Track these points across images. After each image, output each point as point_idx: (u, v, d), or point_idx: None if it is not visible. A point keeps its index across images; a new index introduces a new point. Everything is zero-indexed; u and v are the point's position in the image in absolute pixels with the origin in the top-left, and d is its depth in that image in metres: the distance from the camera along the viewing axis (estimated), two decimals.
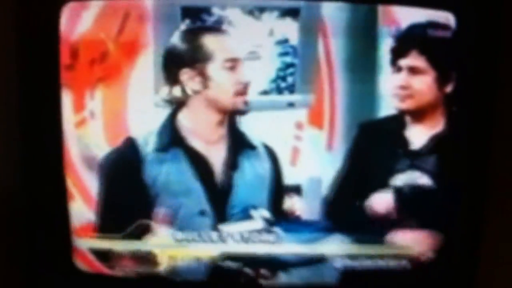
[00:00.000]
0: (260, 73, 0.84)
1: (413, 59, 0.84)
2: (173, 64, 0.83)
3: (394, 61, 0.84)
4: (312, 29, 0.83)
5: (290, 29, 0.82)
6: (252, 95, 0.84)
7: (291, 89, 0.85)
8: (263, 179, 0.88)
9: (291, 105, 0.85)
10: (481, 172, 0.87)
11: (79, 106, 0.84)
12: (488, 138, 0.86)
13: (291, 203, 0.88)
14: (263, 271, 0.90)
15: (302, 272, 0.90)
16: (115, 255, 0.89)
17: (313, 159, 0.87)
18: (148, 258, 0.89)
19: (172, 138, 0.86)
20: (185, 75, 0.83)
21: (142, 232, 0.88)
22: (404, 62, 0.84)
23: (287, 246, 0.88)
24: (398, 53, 0.84)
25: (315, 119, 0.86)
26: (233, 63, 0.83)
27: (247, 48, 0.82)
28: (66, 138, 0.85)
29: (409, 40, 0.84)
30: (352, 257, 0.89)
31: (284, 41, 0.83)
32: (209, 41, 0.83)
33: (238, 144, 0.88)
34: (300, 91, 0.85)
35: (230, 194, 0.87)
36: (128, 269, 0.90)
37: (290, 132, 0.86)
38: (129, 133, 0.86)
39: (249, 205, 0.88)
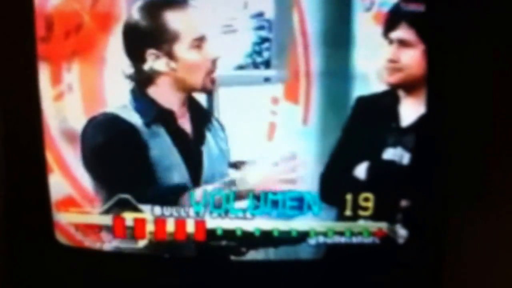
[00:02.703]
0: (236, 47, 0.83)
1: (403, 32, 0.83)
2: (138, 43, 0.82)
3: (385, 34, 0.84)
4: (286, 2, 0.82)
5: (264, 3, 0.82)
6: (228, 70, 0.84)
7: (267, 63, 0.84)
8: (224, 152, 0.88)
9: (267, 80, 0.85)
10: (458, 154, 0.87)
11: (56, 79, 0.85)
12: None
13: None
14: (237, 247, 0.90)
15: (276, 248, 0.90)
16: (95, 229, 0.90)
17: (289, 134, 0.87)
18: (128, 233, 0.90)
19: (154, 113, 0.85)
20: (151, 55, 0.82)
21: (122, 207, 0.89)
22: (394, 35, 0.83)
23: (262, 222, 0.89)
24: (388, 25, 0.83)
25: (291, 94, 0.85)
26: (199, 42, 0.82)
27: (221, 21, 0.82)
28: (45, 111, 0.86)
29: (397, 13, 0.83)
30: (326, 233, 0.89)
31: (259, 15, 0.82)
32: (175, 19, 0.82)
33: (199, 118, 0.87)
34: (276, 65, 0.84)
35: (202, 168, 0.88)
36: (108, 244, 0.91)
37: (266, 107, 0.86)
38: (107, 106, 0.85)
39: (217, 178, 0.88)
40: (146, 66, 0.83)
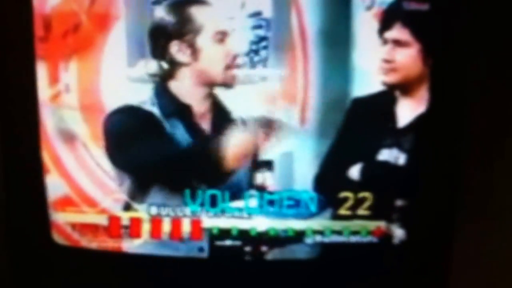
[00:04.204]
0: (233, 45, 0.83)
1: (398, 32, 0.83)
2: (160, 37, 0.83)
3: (380, 33, 0.83)
4: (285, 1, 0.82)
5: (262, 2, 0.82)
6: None
7: (264, 62, 0.84)
8: None
9: (264, 79, 0.85)
10: (457, 155, 0.87)
11: (53, 78, 0.85)
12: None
13: (263, 178, 0.88)
14: (235, 246, 0.90)
15: (273, 248, 0.90)
16: (92, 229, 0.90)
17: (285, 134, 0.86)
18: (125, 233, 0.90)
19: (173, 107, 0.86)
20: (175, 47, 0.83)
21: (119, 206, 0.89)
22: (389, 35, 0.83)
23: (259, 222, 0.89)
24: (383, 25, 0.83)
25: (288, 94, 0.85)
26: (222, 36, 0.83)
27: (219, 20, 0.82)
28: (41, 111, 0.86)
29: (392, 12, 0.82)
30: (323, 232, 0.89)
31: (257, 14, 0.82)
32: (197, 12, 0.83)
33: (222, 118, 0.87)
34: (273, 65, 0.84)
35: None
36: (105, 243, 0.91)
37: (263, 107, 0.86)
38: (103, 107, 0.86)
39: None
40: (169, 60, 0.84)
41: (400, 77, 0.85)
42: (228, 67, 0.84)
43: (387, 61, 0.84)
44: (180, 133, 0.87)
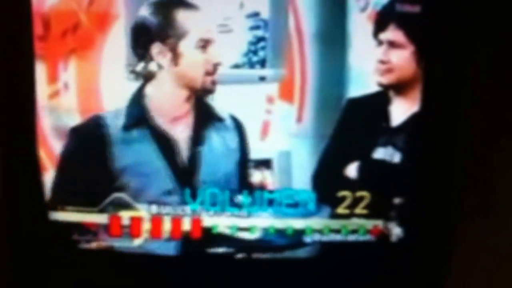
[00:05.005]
0: (232, 46, 0.84)
1: (392, 33, 0.84)
2: (143, 37, 0.83)
3: (375, 35, 0.85)
4: (282, 3, 0.83)
5: (260, 3, 0.83)
6: (224, 69, 0.85)
7: (262, 63, 0.85)
8: (232, 152, 0.88)
9: (262, 79, 0.86)
10: (451, 153, 0.88)
11: (52, 77, 0.85)
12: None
13: (262, 177, 0.89)
14: (235, 245, 0.90)
15: (273, 246, 0.90)
16: (91, 227, 0.90)
17: (283, 133, 0.87)
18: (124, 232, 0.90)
19: (138, 117, 0.86)
20: (156, 49, 0.84)
21: (117, 206, 0.88)
22: (384, 36, 0.85)
23: (258, 220, 0.89)
24: (378, 26, 0.84)
25: (286, 93, 0.86)
26: (205, 43, 0.84)
27: (218, 21, 0.83)
28: (40, 109, 0.86)
29: (387, 14, 0.84)
30: (322, 231, 0.89)
31: (255, 15, 0.84)
32: (183, 17, 0.83)
33: (206, 118, 0.88)
34: (271, 65, 0.85)
35: (198, 170, 0.87)
36: (104, 243, 0.90)
37: (261, 106, 0.87)
38: (102, 106, 0.86)
39: (219, 179, 0.88)
40: (150, 61, 0.84)
41: (395, 78, 0.86)
42: (208, 73, 0.84)
43: (382, 62, 0.85)
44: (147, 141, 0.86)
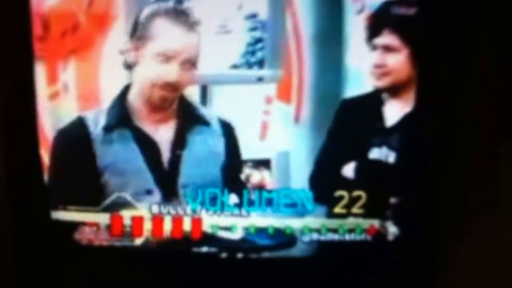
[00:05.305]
0: (230, 47, 0.85)
1: (387, 37, 0.85)
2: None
3: (369, 40, 0.85)
4: (280, 4, 0.84)
5: (259, 4, 0.84)
6: (223, 69, 0.86)
7: (260, 63, 0.86)
8: (216, 155, 0.89)
9: (260, 79, 0.87)
10: (446, 152, 0.89)
11: (52, 78, 0.86)
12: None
13: (261, 177, 0.89)
14: (230, 245, 0.91)
15: (270, 246, 0.91)
16: (93, 227, 0.90)
17: (281, 133, 0.88)
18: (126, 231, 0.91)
19: (119, 118, 0.86)
20: (126, 45, 0.83)
21: (118, 205, 0.89)
22: (378, 41, 0.85)
23: (257, 220, 0.90)
24: (372, 31, 0.85)
25: (284, 94, 0.87)
26: (165, 58, 0.83)
27: (216, 22, 0.83)
28: (40, 110, 0.86)
29: (380, 18, 0.85)
30: (320, 230, 0.90)
31: (253, 16, 0.85)
32: (156, 25, 0.83)
33: (190, 122, 0.88)
34: (269, 65, 0.86)
35: (179, 173, 0.88)
36: (105, 241, 0.91)
37: (259, 107, 0.88)
38: (102, 106, 0.86)
39: (201, 182, 0.88)
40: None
41: (391, 81, 0.87)
42: (155, 86, 0.84)
43: (378, 66, 0.86)
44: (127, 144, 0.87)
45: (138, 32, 0.83)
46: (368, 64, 0.86)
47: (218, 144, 0.89)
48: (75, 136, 0.87)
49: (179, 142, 0.88)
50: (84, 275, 0.93)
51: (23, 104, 0.86)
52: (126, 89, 0.86)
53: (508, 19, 0.82)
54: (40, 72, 0.85)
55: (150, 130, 0.87)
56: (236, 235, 0.90)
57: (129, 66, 0.85)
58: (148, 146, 0.87)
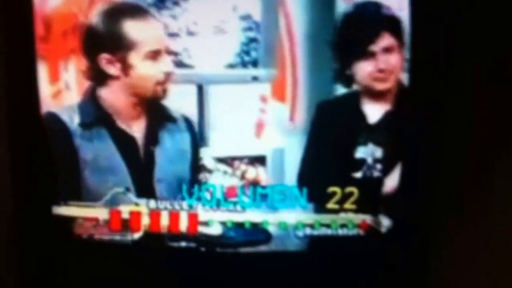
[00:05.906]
0: (225, 46, 0.87)
1: (385, 40, 0.86)
2: (94, 45, 0.85)
3: (366, 46, 0.86)
4: (273, 5, 0.87)
5: (252, 5, 0.87)
6: (219, 68, 0.88)
7: (254, 63, 0.89)
8: (184, 152, 0.91)
9: (255, 78, 0.89)
10: (435, 145, 0.90)
11: (54, 77, 0.88)
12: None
13: (256, 173, 0.92)
14: (224, 240, 0.93)
15: (263, 241, 0.93)
16: (93, 222, 0.93)
17: (276, 131, 0.91)
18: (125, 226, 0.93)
19: (95, 116, 0.88)
20: (104, 60, 0.85)
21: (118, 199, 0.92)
22: (377, 45, 0.86)
23: (252, 215, 0.92)
24: (367, 36, 0.86)
25: (278, 93, 0.90)
26: (155, 54, 0.85)
27: (211, 22, 0.86)
28: (43, 108, 0.89)
29: (375, 21, 0.86)
30: (313, 226, 0.92)
31: (247, 17, 0.87)
32: (134, 28, 0.84)
33: (159, 119, 0.90)
34: (263, 65, 0.89)
35: (153, 169, 0.91)
36: (106, 236, 0.93)
37: (255, 105, 0.90)
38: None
39: (174, 179, 0.91)
40: (100, 68, 0.86)
41: (393, 82, 0.87)
42: (159, 83, 0.86)
43: (381, 70, 0.87)
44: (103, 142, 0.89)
45: (113, 43, 0.84)
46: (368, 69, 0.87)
47: (185, 141, 0.91)
48: (53, 130, 0.89)
49: (151, 139, 0.90)
50: (84, 268, 0.95)
51: (25, 102, 0.88)
52: (93, 90, 0.88)
53: (500, 20, 0.83)
54: (42, 71, 0.88)
55: (124, 126, 0.89)
56: (216, 230, 0.93)
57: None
58: (124, 143, 0.89)
